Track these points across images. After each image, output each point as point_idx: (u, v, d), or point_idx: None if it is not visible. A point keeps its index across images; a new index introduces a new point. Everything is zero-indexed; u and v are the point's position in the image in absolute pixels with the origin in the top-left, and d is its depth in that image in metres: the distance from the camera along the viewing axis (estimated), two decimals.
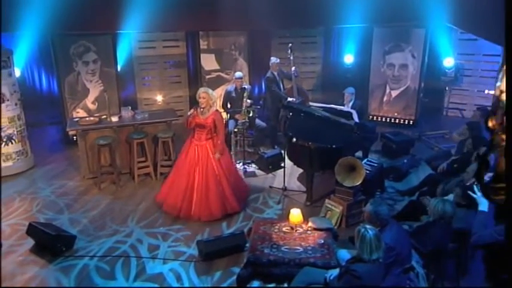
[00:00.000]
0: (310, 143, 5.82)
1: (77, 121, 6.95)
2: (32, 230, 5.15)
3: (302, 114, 6.52)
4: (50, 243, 4.97)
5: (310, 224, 4.74)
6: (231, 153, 7.29)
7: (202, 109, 5.43)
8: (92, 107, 8.34)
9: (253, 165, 7.32)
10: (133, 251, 5.04)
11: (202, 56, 8.95)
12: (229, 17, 7.95)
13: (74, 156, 7.73)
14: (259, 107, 7.83)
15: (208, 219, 5.46)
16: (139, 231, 5.43)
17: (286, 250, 4.29)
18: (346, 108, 6.77)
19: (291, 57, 7.68)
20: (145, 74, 9.12)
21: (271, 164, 7.19)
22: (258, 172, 7.13)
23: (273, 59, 7.79)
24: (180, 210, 5.55)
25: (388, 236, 3.57)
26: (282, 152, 7.30)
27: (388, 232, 3.62)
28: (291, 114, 6.59)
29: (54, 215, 5.89)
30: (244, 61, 9.07)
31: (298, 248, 4.32)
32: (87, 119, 7.08)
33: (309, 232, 4.63)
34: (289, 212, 4.78)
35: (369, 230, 3.33)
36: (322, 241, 4.45)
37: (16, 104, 7.07)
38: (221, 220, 5.66)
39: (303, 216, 4.81)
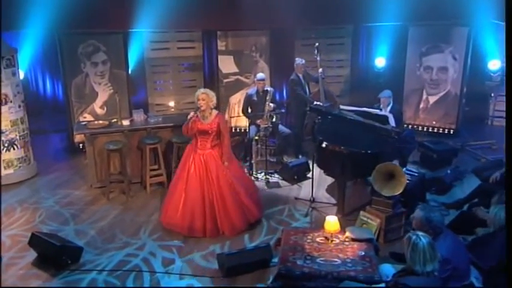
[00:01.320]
0: (342, 148, 5.65)
1: (85, 125, 6.94)
2: (35, 240, 5.05)
3: (332, 118, 6.36)
4: (54, 255, 4.85)
5: (348, 234, 4.55)
6: (253, 162, 7.21)
7: (202, 112, 5.29)
8: (100, 112, 8.33)
9: (277, 175, 7.21)
10: (146, 265, 4.94)
11: (219, 58, 8.93)
12: (250, 15, 7.96)
13: (80, 165, 7.76)
14: (283, 110, 7.72)
15: (232, 233, 5.35)
16: (152, 243, 5.34)
17: (322, 262, 4.10)
18: (381, 112, 6.60)
19: (318, 58, 7.59)
20: (158, 77, 9.10)
21: (297, 174, 7.08)
22: (282, 183, 7.05)
23: (298, 60, 7.71)
24: (197, 229, 5.35)
25: (443, 246, 3.36)
26: (309, 161, 7.22)
27: (442, 242, 3.42)
28: (319, 118, 6.44)
29: (59, 226, 5.82)
30: (265, 64, 9.00)
31: (336, 260, 4.14)
32: (96, 122, 7.09)
33: (346, 243, 4.45)
34: (324, 220, 4.60)
35: (422, 238, 3.13)
36: (363, 253, 4.26)
37: (20, 106, 7.07)
38: (242, 232, 5.53)
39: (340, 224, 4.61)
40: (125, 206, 6.32)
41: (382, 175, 5.28)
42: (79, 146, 8.35)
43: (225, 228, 5.42)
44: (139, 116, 7.03)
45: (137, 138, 6.83)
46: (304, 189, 6.75)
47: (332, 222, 4.45)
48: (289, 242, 4.49)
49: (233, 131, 9.14)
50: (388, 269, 3.91)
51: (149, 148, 6.64)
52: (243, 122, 8.54)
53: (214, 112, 5.36)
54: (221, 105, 9.10)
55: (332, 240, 4.48)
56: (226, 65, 8.98)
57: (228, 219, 5.41)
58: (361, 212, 5.45)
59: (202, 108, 5.27)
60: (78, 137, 8.26)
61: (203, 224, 5.33)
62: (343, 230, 4.68)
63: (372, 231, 4.95)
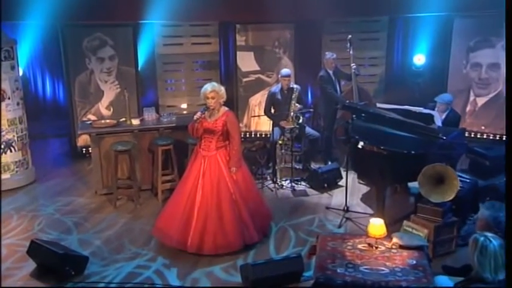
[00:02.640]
0: (382, 148, 5.48)
1: (90, 124, 6.90)
2: (35, 248, 4.94)
3: (369, 116, 6.20)
4: (56, 264, 4.74)
5: (395, 240, 4.36)
6: (276, 168, 7.08)
7: (210, 111, 5.18)
8: (106, 112, 8.32)
9: (304, 183, 7.10)
10: (159, 277, 4.85)
11: (238, 54, 8.91)
12: (272, 6, 7.89)
13: (82, 171, 7.76)
14: (311, 110, 7.60)
15: (225, 250, 5.11)
16: (165, 254, 5.24)
17: (366, 271, 3.92)
18: (426, 110, 6.42)
19: (351, 52, 7.48)
20: (169, 76, 9.08)
21: (327, 182, 6.96)
22: (310, 191, 6.95)
23: (328, 54, 7.61)
24: (183, 242, 5.12)
25: None
26: (340, 167, 7.07)
27: None
28: (353, 117, 6.29)
29: (60, 235, 5.75)
30: (289, 61, 8.91)
31: (383, 268, 3.95)
32: (102, 121, 7.05)
33: (394, 251, 4.26)
34: (360, 231, 4.43)
35: (492, 239, 2.93)
36: (414, 262, 4.07)
37: (18, 104, 7.04)
38: (266, 243, 5.42)
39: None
40: (133, 214, 6.24)
41: (430, 178, 5.08)
42: (82, 151, 8.34)
43: (218, 245, 5.11)
44: (150, 115, 6.97)
45: (148, 139, 6.76)
46: (335, 198, 6.65)
47: (377, 225, 4.26)
48: (327, 248, 4.32)
49: (253, 135, 9.11)
50: (445, 281, 3.70)
51: (161, 150, 6.56)
52: (265, 125, 8.49)
53: (223, 109, 5.21)
54: (240, 107, 9.11)
55: (377, 247, 4.29)
56: (246, 62, 8.94)
57: (223, 235, 5.10)
58: (405, 222, 5.24)
59: (210, 108, 5.14)
60: (81, 141, 8.31)
61: (195, 238, 5.08)
62: (388, 236, 4.47)
63: (423, 237, 4.74)
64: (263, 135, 8.98)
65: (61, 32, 7.95)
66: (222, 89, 5.18)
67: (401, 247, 4.30)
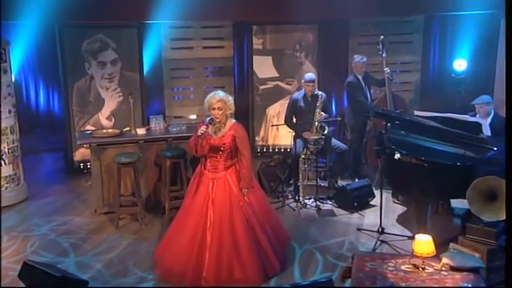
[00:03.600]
0: (423, 159, 5.36)
1: (90, 134, 6.87)
2: (27, 271, 4.78)
3: (406, 125, 6.10)
4: None
5: (445, 260, 4.19)
6: (299, 185, 7.00)
7: (216, 124, 4.98)
8: (106, 123, 8.31)
9: (330, 202, 7.02)
10: None
11: (255, 59, 8.91)
12: (293, 5, 7.89)
13: (80, 188, 7.74)
14: (339, 118, 7.52)
15: (244, 285, 4.90)
16: None
17: None
18: (472, 118, 6.31)
19: (384, 55, 7.40)
20: (177, 83, 9.08)
21: (357, 200, 6.84)
22: (338, 211, 6.85)
23: (357, 58, 7.55)
24: (191, 276, 4.91)
25: None
26: (372, 184, 7.03)
27: None
28: (388, 125, 6.18)
29: (56, 257, 5.66)
30: (312, 66, 8.87)
31: None
32: (104, 131, 7.03)
33: (444, 273, 4.10)
34: (413, 240, 4.29)
35: None
36: (470, 286, 3.89)
37: (10, 112, 7.03)
38: (290, 268, 5.32)
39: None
40: (138, 235, 6.15)
41: (482, 194, 4.91)
42: (79, 166, 8.33)
43: (236, 280, 4.90)
44: (158, 124, 6.93)
45: (155, 150, 6.71)
46: (367, 219, 6.56)
47: (424, 242, 4.12)
48: (365, 269, 4.18)
49: (270, 150, 9.06)
50: None
51: (170, 163, 6.48)
52: (285, 138, 8.44)
53: (230, 122, 5.02)
54: (256, 118, 9.09)
55: (424, 268, 4.13)
56: (263, 68, 8.93)
57: (241, 267, 4.91)
58: (452, 244, 5.08)
59: (217, 120, 4.93)
60: (78, 155, 8.31)
61: (210, 275, 4.88)
62: (437, 256, 4.32)
63: (479, 258, 4.56)
64: (282, 150, 8.91)
65: (58, 33, 7.98)
66: (231, 99, 5.02)
67: (452, 269, 4.14)
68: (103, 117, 8.29)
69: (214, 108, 4.90)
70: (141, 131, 6.80)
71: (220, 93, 4.96)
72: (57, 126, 9.15)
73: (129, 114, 7.40)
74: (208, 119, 4.99)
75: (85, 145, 6.84)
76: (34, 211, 6.91)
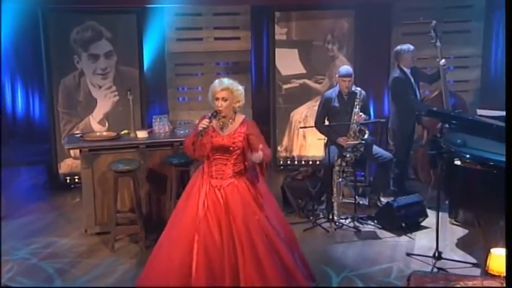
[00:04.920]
0: (491, 164, 5.25)
1: (81, 137, 6.83)
2: None
3: (467, 126, 6.02)
4: None
5: None
6: (333, 201, 6.96)
7: (221, 119, 4.91)
8: (98, 128, 8.28)
9: (372, 222, 6.96)
10: None
11: (277, 52, 8.90)
12: None
13: (66, 205, 7.74)
14: (383, 120, 7.46)
15: None
16: None
17: None
18: None
19: (437, 43, 7.32)
20: (183, 82, 9.06)
21: (406, 220, 6.73)
22: (382, 233, 6.77)
23: (405, 47, 7.49)
24: None
25: None
26: (423, 201, 6.96)
27: None
28: (445, 126, 6.11)
29: (39, 284, 5.61)
30: (347, 61, 8.80)
31: None
32: (97, 133, 7.04)
33: None
34: (487, 255, 4.16)
35: None
36: None
37: None
38: None
39: None
40: (138, 259, 6.06)
41: None
42: (65, 180, 8.33)
43: None
44: (162, 126, 6.88)
45: (159, 157, 6.68)
46: (419, 242, 6.46)
47: (499, 255, 3.99)
48: None
49: (296, 162, 9.04)
50: None
51: (177, 172, 6.44)
52: (314, 148, 8.53)
53: (240, 117, 4.93)
54: (278, 124, 9.06)
55: None
56: (288, 63, 8.93)
57: None
58: None
59: (222, 114, 4.83)
60: (64, 167, 8.32)
61: None
62: None
63: None
64: (310, 162, 8.87)
65: (42, 20, 7.99)
66: (240, 88, 4.89)
67: None
68: (94, 120, 8.28)
69: (217, 99, 4.79)
70: (142, 134, 6.76)
71: (225, 81, 4.86)
72: (39, 134, 9.12)
73: (127, 118, 7.34)
74: (210, 114, 4.84)
75: (72, 151, 6.79)
76: (11, 232, 6.84)
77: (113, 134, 6.83)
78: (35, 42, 8.29)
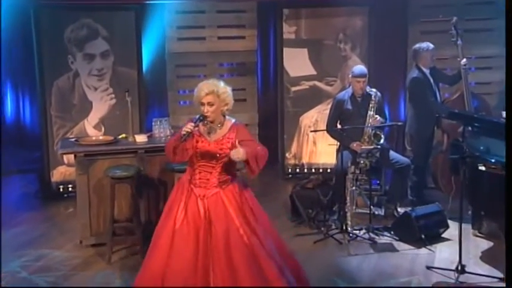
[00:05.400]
0: None
1: (76, 141, 6.81)
2: None
3: (492, 129, 6.01)
4: None
5: None
6: (346, 211, 6.91)
7: (208, 124, 4.85)
8: (94, 133, 8.25)
9: (389, 234, 6.92)
10: None
11: (286, 52, 8.90)
12: None
13: (59, 216, 7.74)
14: (400, 123, 7.47)
15: None
16: None
17: None
18: None
19: (458, 42, 7.29)
20: (185, 84, 9.04)
21: (425, 231, 6.68)
22: (399, 245, 6.73)
23: (424, 46, 7.48)
24: None
25: None
26: (444, 211, 6.92)
27: None
28: (469, 129, 6.10)
29: None
30: (360, 61, 8.77)
31: None
32: (93, 138, 7.02)
33: None
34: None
35: None
36: None
37: None
38: None
39: None
40: (136, 272, 5.81)
41: None
42: (58, 189, 8.30)
43: None
44: (163, 129, 6.86)
45: (159, 163, 6.64)
46: (440, 255, 6.43)
47: None
48: None
49: (305, 170, 9.02)
50: None
51: (178, 178, 6.31)
52: (325, 155, 8.55)
53: (229, 122, 4.88)
54: (286, 128, 9.05)
55: None
56: (297, 63, 8.93)
57: None
58: None
59: (208, 119, 4.78)
60: (57, 175, 8.30)
61: None
62: None
63: None
64: (321, 170, 8.85)
65: (33, 17, 7.98)
66: (227, 90, 4.82)
67: None
68: (90, 125, 8.28)
69: (203, 104, 4.73)
70: (141, 138, 6.75)
71: (210, 83, 4.78)
72: (30, 140, 9.12)
73: (124, 122, 7.35)
74: (196, 118, 4.78)
75: (65, 157, 6.76)
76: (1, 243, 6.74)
77: (110, 138, 6.82)
78: (27, 41, 8.31)
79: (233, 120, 4.90)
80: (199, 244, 4.70)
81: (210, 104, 4.71)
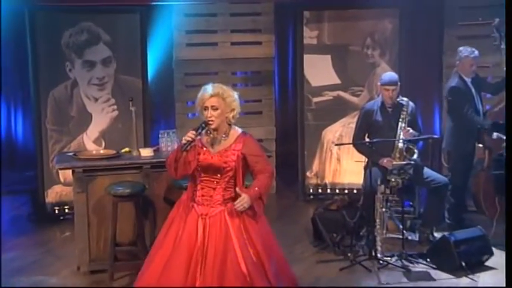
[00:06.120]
0: None
1: (74, 155, 6.79)
2: None
3: None
4: None
5: None
6: (376, 235, 6.87)
7: (212, 133, 4.84)
8: (93, 148, 8.23)
9: (423, 261, 6.85)
10: None
11: (307, 59, 8.90)
12: None
13: (54, 240, 7.76)
14: (436, 136, 7.40)
15: None
16: None
17: None
18: None
19: (502, 46, 7.23)
20: (194, 95, 8.87)
21: (466, 259, 6.58)
22: (436, 273, 6.65)
23: (465, 51, 7.41)
24: None
25: None
26: (488, 236, 6.84)
27: None
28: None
29: None
30: (390, 68, 8.75)
31: None
32: (93, 152, 7.04)
33: None
34: None
35: None
36: None
37: None
38: None
39: None
40: None
41: None
42: (54, 211, 8.29)
43: None
44: (170, 142, 6.85)
45: (166, 179, 6.61)
46: (483, 285, 6.37)
47: None
48: None
49: (329, 190, 9.00)
50: None
51: None
52: (349, 174, 8.58)
53: (235, 131, 4.85)
54: (307, 144, 9.01)
55: None
56: (319, 72, 8.93)
57: None
58: None
59: (212, 126, 4.74)
60: (52, 196, 8.30)
61: None
62: None
63: None
64: (346, 191, 8.80)
65: (29, 20, 8.01)
66: (233, 94, 4.80)
67: None
68: (89, 139, 8.28)
69: (206, 108, 4.70)
70: (146, 152, 6.74)
71: (215, 85, 4.80)
72: (22, 157, 9.16)
73: (127, 136, 7.44)
74: (199, 126, 4.75)
75: (61, 176, 6.75)
76: None
77: (112, 152, 6.82)
78: (20, 47, 8.43)
79: (240, 130, 4.85)
80: (190, 269, 4.68)
81: (214, 108, 4.68)
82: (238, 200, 4.64)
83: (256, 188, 4.75)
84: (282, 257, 5.08)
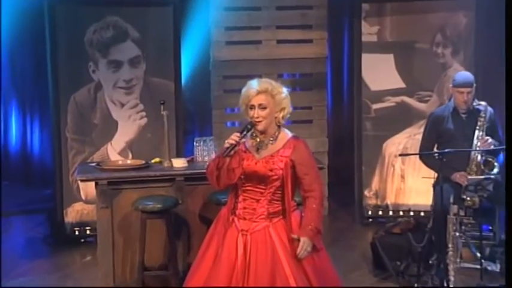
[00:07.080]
0: None
1: (97, 165, 6.84)
2: None
3: None
4: None
5: None
6: (448, 264, 6.72)
7: (259, 136, 4.79)
8: (118, 158, 8.23)
9: None
10: None
11: (365, 59, 8.90)
12: None
13: (74, 264, 7.84)
14: None
15: None
16: None
17: None
18: None
19: None
20: (234, 100, 8.95)
21: None
22: None
23: None
24: None
25: None
26: None
27: None
28: None
29: None
30: (463, 69, 8.66)
31: None
32: (119, 162, 7.12)
33: None
34: None
35: None
36: None
37: None
38: None
39: None
40: None
41: None
42: (73, 232, 8.34)
43: None
44: (207, 152, 6.89)
45: (202, 194, 6.66)
46: None
47: None
48: None
49: (391, 211, 8.97)
50: None
51: None
52: (415, 193, 8.56)
53: (285, 134, 4.80)
54: (366, 156, 9.00)
55: None
56: (379, 74, 8.93)
57: None
58: None
59: (259, 127, 4.69)
60: (72, 215, 8.36)
61: None
62: None
63: None
64: (411, 213, 8.71)
65: (48, 15, 8.11)
66: (285, 91, 4.77)
67: None
68: (114, 150, 8.34)
69: (252, 106, 4.65)
70: (179, 163, 6.76)
71: (263, 80, 4.80)
72: (38, 172, 9.23)
73: (157, 147, 7.52)
74: (244, 128, 4.71)
75: (83, 192, 6.78)
76: None
77: (141, 162, 6.86)
78: (38, 46, 8.49)
79: (290, 134, 4.80)
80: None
81: (262, 107, 4.64)
82: (299, 247, 4.59)
83: (310, 226, 4.68)
84: (338, 279, 5.05)
